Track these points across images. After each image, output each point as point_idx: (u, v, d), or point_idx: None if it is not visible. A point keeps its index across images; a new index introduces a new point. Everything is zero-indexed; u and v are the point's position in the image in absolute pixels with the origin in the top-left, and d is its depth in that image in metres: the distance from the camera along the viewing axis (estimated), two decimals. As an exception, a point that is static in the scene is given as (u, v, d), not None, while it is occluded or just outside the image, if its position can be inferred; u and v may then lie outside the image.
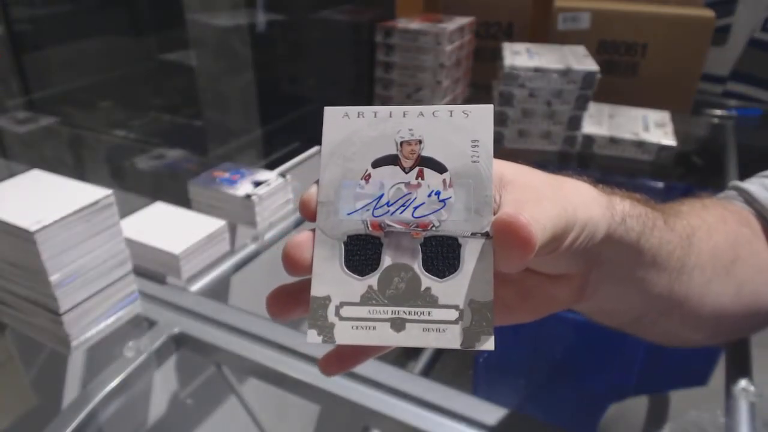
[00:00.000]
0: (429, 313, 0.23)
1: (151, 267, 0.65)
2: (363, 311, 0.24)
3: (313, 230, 0.25)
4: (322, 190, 0.25)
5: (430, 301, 0.24)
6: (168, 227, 0.68)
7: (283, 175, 0.77)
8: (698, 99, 1.24)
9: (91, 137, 0.92)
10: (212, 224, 0.68)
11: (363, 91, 1.22)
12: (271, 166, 0.91)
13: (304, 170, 0.98)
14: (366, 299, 0.24)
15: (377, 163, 0.25)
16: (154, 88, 1.03)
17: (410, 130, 0.26)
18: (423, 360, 1.17)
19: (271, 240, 0.77)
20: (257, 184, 0.74)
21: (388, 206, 0.25)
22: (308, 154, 1.00)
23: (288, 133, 1.13)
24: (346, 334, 0.23)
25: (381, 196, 0.25)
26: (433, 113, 0.26)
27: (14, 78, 0.78)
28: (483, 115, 0.25)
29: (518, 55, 1.03)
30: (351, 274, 0.24)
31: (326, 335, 0.23)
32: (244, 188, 0.73)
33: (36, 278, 0.49)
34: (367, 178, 0.25)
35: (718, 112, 1.27)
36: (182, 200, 0.75)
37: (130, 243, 0.57)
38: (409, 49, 1.10)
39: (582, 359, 0.88)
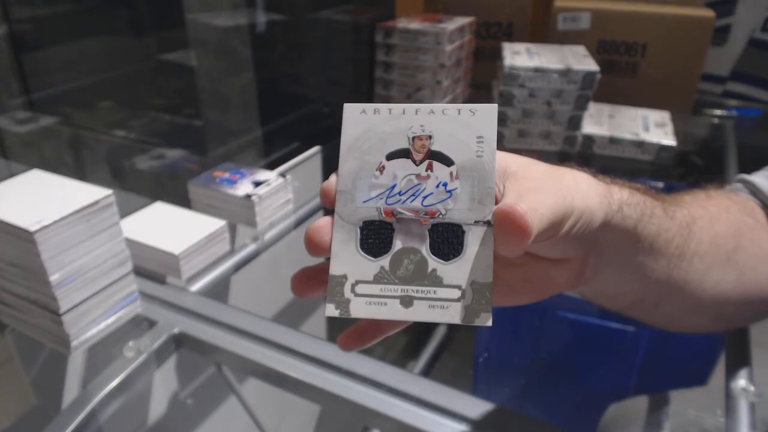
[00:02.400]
0: (434, 292, 0.26)
1: (151, 267, 0.65)
2: (376, 289, 0.26)
3: (333, 216, 0.27)
4: (341, 179, 0.28)
5: (436, 281, 0.26)
6: (168, 227, 0.68)
7: (283, 175, 0.77)
8: (698, 99, 1.23)
9: (91, 137, 0.92)
10: (212, 224, 0.68)
11: (363, 91, 1.22)
12: (271, 166, 0.91)
13: (304, 170, 0.98)
14: (378, 278, 0.26)
15: (391, 156, 0.28)
16: (154, 88, 1.03)
17: (422, 126, 0.28)
18: (423, 360, 1.17)
19: (271, 240, 0.77)
20: (257, 184, 0.74)
21: (400, 195, 0.27)
22: (308, 154, 1.00)
23: (288, 133, 1.13)
24: (360, 309, 0.26)
25: (394, 186, 0.27)
26: (442, 111, 0.28)
27: (14, 78, 0.78)
28: (488, 113, 0.28)
29: (518, 55, 1.03)
30: (365, 255, 0.27)
31: (343, 309, 0.26)
32: (244, 188, 0.73)
33: (36, 278, 0.49)
34: (381, 169, 0.28)
35: (718, 112, 1.27)
36: (182, 200, 0.75)
37: (130, 243, 0.57)
38: (409, 49, 1.10)
39: (582, 359, 0.88)
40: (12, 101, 0.79)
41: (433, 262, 0.26)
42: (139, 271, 0.62)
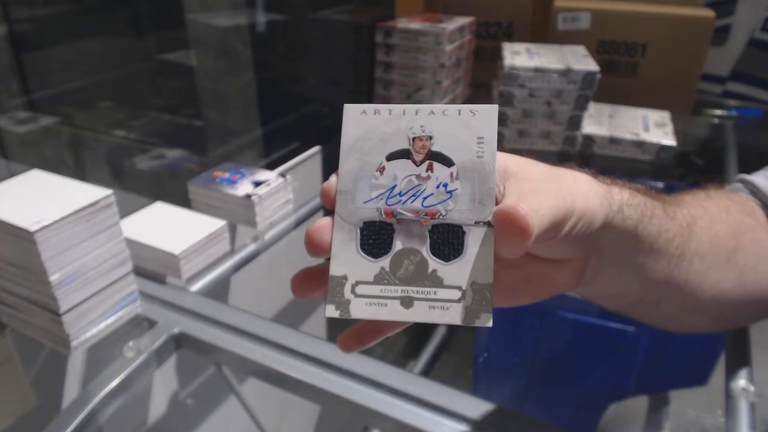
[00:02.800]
0: (435, 293, 0.26)
1: (151, 267, 0.65)
2: (376, 290, 0.26)
3: (333, 216, 0.27)
4: (341, 180, 0.28)
5: (436, 282, 0.26)
6: (168, 227, 0.68)
7: (283, 175, 0.77)
8: (698, 99, 1.23)
9: (91, 137, 0.92)
10: (212, 224, 0.68)
11: (363, 91, 1.22)
12: (271, 166, 0.91)
13: (304, 170, 0.98)
14: (379, 279, 0.26)
15: (391, 157, 0.28)
16: (154, 88, 1.03)
17: (422, 126, 0.28)
18: (423, 360, 1.17)
19: (271, 240, 0.77)
20: (257, 184, 0.74)
21: (400, 196, 0.27)
22: (308, 154, 1.00)
23: (288, 133, 1.13)
24: (360, 310, 0.26)
25: (394, 187, 0.27)
26: (443, 112, 0.28)
27: (14, 78, 0.78)
28: (488, 114, 0.28)
29: (518, 55, 1.03)
30: (366, 256, 0.27)
31: (343, 310, 0.26)
32: (244, 188, 0.73)
33: (36, 278, 0.49)
34: (381, 170, 0.28)
35: (718, 112, 1.27)
36: (182, 200, 0.75)
37: (130, 243, 0.57)
38: (409, 49, 1.10)
39: (582, 359, 0.88)
40: (12, 101, 0.79)
41: (434, 263, 0.26)
42: (139, 271, 0.62)
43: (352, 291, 0.26)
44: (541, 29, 1.26)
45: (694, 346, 0.79)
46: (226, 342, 0.56)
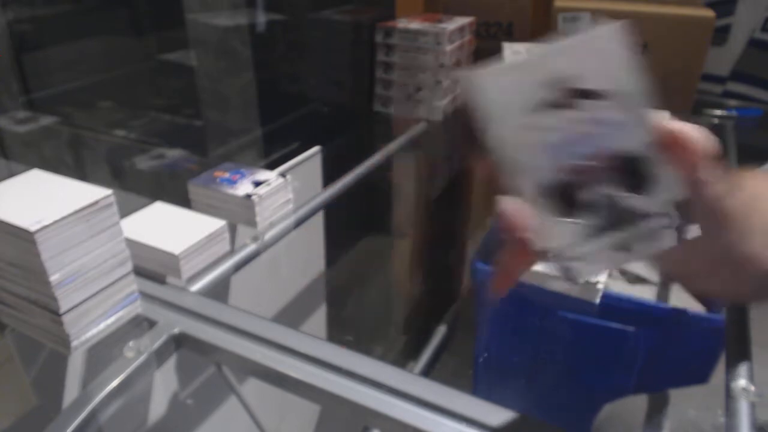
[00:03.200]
0: (639, 226, 0.26)
1: (151, 267, 0.65)
2: (586, 247, 0.26)
3: (516, 197, 0.27)
4: (506, 161, 0.26)
5: (633, 217, 0.26)
6: (168, 227, 0.68)
7: (283, 175, 0.77)
8: (698, 99, 1.23)
9: (91, 137, 0.92)
10: (212, 224, 0.68)
11: (363, 91, 1.22)
12: (271, 166, 0.91)
13: (304, 170, 0.98)
14: (583, 236, 0.26)
15: (541, 111, 0.26)
16: (154, 88, 1.03)
17: (557, 70, 0.26)
18: (423, 360, 1.17)
19: (271, 240, 0.77)
20: (257, 184, 0.74)
21: (567, 148, 0.26)
22: (308, 154, 1.00)
23: (288, 133, 1.13)
24: (584, 270, 0.26)
25: (557, 142, 0.26)
26: (570, 48, 0.26)
27: (14, 78, 0.78)
28: (615, 35, 0.26)
29: (518, 55, 1.03)
30: (560, 219, 0.26)
31: (568, 277, 0.27)
32: (244, 188, 0.73)
33: (36, 278, 0.49)
34: (538, 129, 0.26)
35: (718, 112, 1.27)
36: (182, 200, 0.75)
37: (130, 243, 0.57)
38: (409, 49, 1.10)
39: (582, 359, 0.88)
40: (12, 101, 0.79)
41: (624, 201, 0.26)
42: (139, 271, 0.62)
43: (566, 256, 0.26)
44: (541, 29, 1.26)
45: (694, 346, 0.79)
46: (226, 342, 0.56)
